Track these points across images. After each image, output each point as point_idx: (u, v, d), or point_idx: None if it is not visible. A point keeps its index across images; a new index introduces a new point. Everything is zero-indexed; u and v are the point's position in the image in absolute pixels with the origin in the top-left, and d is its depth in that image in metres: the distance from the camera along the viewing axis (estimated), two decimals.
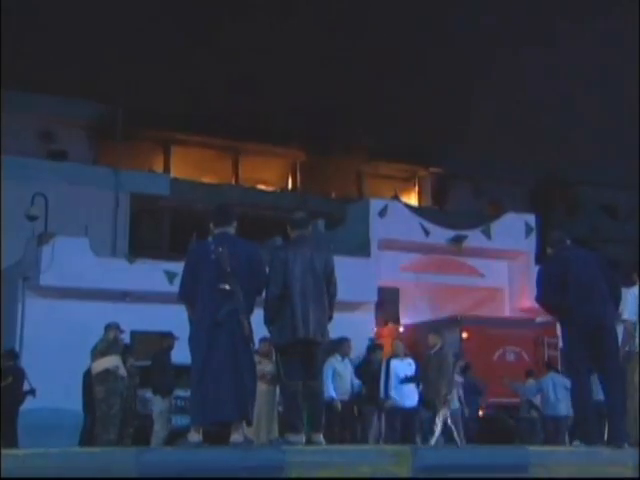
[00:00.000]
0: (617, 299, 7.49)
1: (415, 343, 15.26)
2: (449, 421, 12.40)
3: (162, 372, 13.15)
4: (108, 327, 12.52)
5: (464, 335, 16.56)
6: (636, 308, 7.93)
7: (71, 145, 26.83)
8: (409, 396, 13.18)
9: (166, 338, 13.38)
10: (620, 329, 7.69)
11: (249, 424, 6.71)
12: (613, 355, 7.32)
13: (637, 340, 7.89)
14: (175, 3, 52.00)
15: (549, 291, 7.42)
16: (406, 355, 13.56)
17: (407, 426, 13.14)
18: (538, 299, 7.56)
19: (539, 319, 18.84)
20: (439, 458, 6.25)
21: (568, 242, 7.68)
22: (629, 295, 8.14)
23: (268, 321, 7.11)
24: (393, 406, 13.16)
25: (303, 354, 7.07)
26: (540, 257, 20.49)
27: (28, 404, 13.59)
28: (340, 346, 12.75)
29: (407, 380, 13.05)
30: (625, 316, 7.87)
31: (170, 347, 13.29)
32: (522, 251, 21.22)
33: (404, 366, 13.29)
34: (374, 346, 14.83)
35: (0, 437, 12.50)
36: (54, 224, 19.08)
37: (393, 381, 13.16)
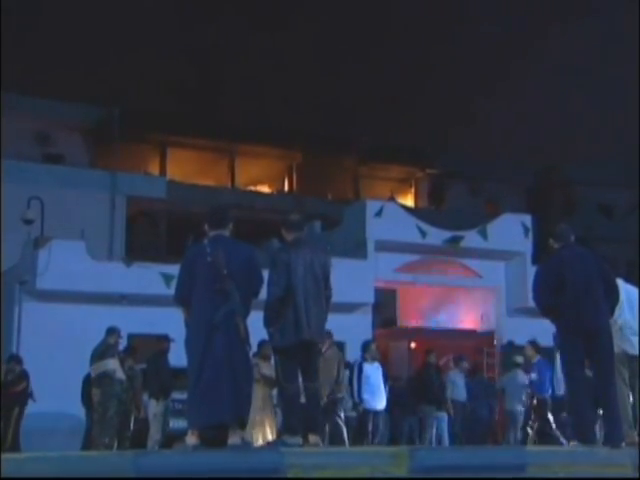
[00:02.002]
0: (613, 301, 7.48)
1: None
2: (340, 421, 12.57)
3: (157, 375, 13.13)
4: (110, 331, 12.51)
5: (412, 345, 17.37)
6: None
7: (67, 148, 26.80)
8: (379, 399, 13.50)
9: (161, 341, 13.37)
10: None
11: (243, 427, 6.71)
12: (608, 357, 7.31)
13: (623, 340, 7.87)
14: (173, 6, 51.97)
15: (546, 292, 7.41)
16: (375, 359, 13.78)
17: (376, 428, 13.44)
18: (535, 299, 7.57)
19: (480, 330, 19.56)
20: (437, 459, 6.24)
21: (572, 238, 7.65)
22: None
23: (268, 323, 7.11)
24: (365, 408, 13.41)
25: (303, 356, 7.08)
26: (537, 257, 20.53)
27: (26, 408, 13.63)
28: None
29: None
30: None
31: (165, 350, 13.27)
32: (519, 251, 21.25)
33: (373, 369, 13.56)
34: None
35: (7, 440, 12.67)
36: (50, 227, 19.07)
37: (365, 383, 13.41)
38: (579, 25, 50.32)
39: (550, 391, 13.78)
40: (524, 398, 14.78)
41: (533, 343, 14.18)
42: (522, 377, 14.87)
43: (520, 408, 14.79)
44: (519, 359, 15.14)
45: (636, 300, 8.02)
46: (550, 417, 13.69)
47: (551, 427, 13.60)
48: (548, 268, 7.56)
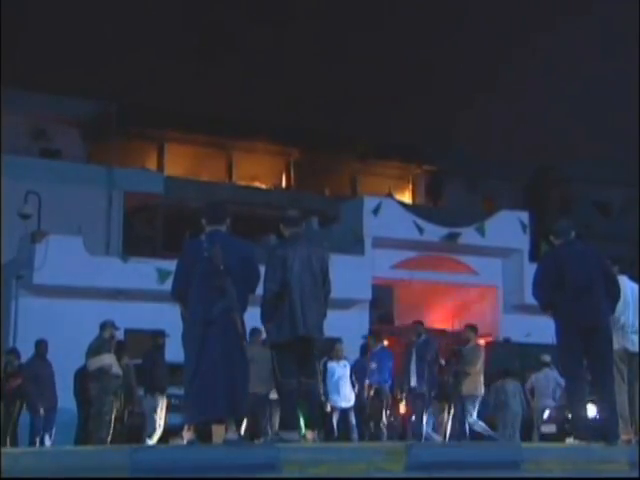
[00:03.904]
0: (614, 298, 7.48)
1: None
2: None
3: (153, 371, 13.14)
4: (103, 325, 12.53)
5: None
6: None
7: (64, 143, 26.75)
8: (345, 397, 13.62)
9: (156, 337, 13.38)
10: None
11: (240, 422, 6.71)
12: (606, 354, 7.31)
13: (624, 338, 7.87)
14: (171, 1, 51.93)
15: (545, 288, 7.40)
16: (340, 358, 13.84)
17: (344, 425, 13.52)
18: (534, 296, 7.57)
19: (452, 330, 19.58)
20: (433, 455, 6.25)
21: (573, 234, 7.64)
22: None
23: (265, 319, 7.11)
24: (332, 406, 13.52)
25: (300, 352, 7.08)
26: (534, 254, 20.55)
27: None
28: None
29: None
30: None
31: (160, 345, 13.27)
32: (516, 248, 21.27)
33: (340, 368, 13.70)
34: (366, 346, 14.86)
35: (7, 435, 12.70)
36: (47, 222, 19.04)
37: (329, 382, 13.51)
38: (579, 24, 50.36)
39: (390, 381, 13.69)
40: (556, 396, 14.80)
41: (374, 332, 14.18)
42: (551, 375, 14.90)
43: (552, 405, 14.82)
44: (547, 358, 15.15)
45: (637, 297, 8.01)
46: (385, 409, 13.61)
47: (385, 419, 13.56)
48: (548, 264, 7.54)
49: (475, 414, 13.10)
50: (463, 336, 13.90)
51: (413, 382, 13.30)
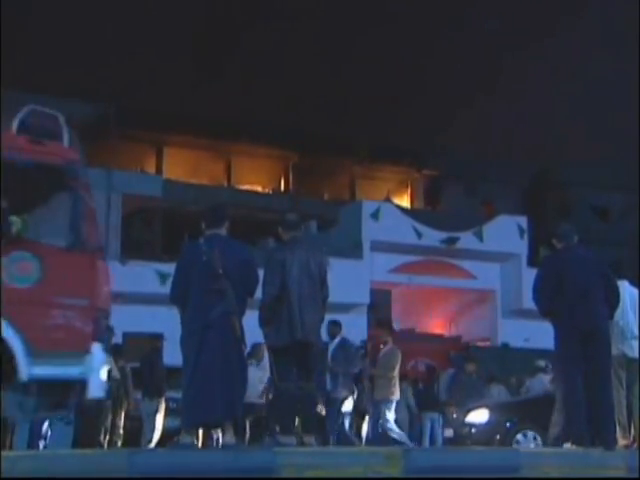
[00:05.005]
0: (613, 303, 7.48)
1: None
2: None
3: (151, 374, 13.12)
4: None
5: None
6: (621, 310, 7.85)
7: None
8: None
9: (154, 340, 13.37)
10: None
11: (237, 426, 6.70)
12: (604, 359, 7.31)
13: (623, 343, 7.86)
14: (170, 4, 51.99)
15: (546, 294, 7.41)
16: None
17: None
18: (535, 301, 7.58)
19: (447, 335, 19.56)
20: (430, 459, 6.26)
21: (575, 238, 7.64)
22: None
23: (264, 322, 7.11)
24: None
25: (298, 356, 7.08)
26: (532, 259, 20.58)
27: None
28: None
29: None
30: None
31: (157, 349, 13.26)
32: (514, 253, 21.29)
33: None
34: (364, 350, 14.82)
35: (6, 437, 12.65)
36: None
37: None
38: (578, 25, 50.40)
39: None
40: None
41: None
42: (547, 380, 14.89)
43: None
44: (541, 363, 15.15)
45: (637, 303, 8.01)
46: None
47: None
48: (548, 270, 7.56)
49: (392, 419, 12.29)
50: (380, 338, 12.94)
51: (328, 386, 12.08)
